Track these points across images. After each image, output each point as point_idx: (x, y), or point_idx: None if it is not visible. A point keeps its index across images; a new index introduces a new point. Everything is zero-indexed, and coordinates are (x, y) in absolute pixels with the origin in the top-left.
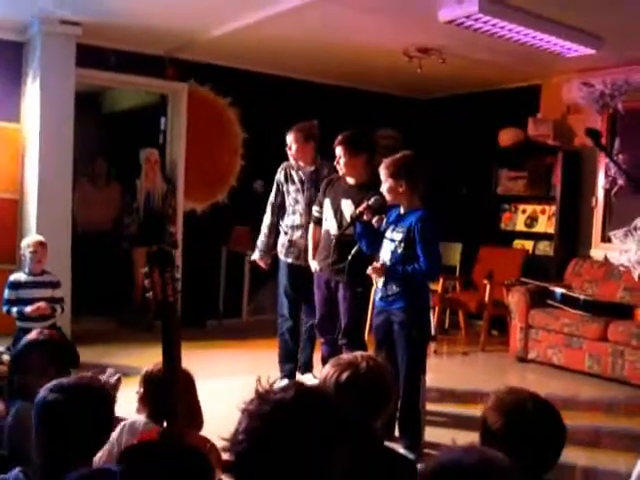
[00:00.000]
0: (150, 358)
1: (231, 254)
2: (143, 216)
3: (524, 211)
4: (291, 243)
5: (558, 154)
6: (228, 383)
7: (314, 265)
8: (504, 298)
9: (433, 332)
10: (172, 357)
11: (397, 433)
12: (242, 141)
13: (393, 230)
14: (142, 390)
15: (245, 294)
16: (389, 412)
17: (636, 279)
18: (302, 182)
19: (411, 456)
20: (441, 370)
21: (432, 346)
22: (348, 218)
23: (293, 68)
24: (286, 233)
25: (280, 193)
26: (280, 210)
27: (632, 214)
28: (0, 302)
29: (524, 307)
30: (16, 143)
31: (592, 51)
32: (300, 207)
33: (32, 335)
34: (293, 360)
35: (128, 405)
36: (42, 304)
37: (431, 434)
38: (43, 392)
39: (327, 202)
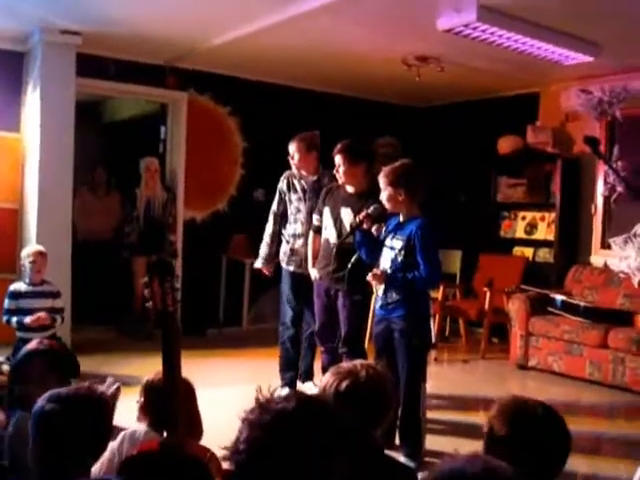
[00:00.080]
0: (150, 367)
1: (231, 263)
2: (143, 225)
3: (524, 218)
4: (293, 252)
5: (557, 161)
6: (228, 392)
7: (314, 273)
8: (504, 305)
9: (433, 340)
10: (172, 366)
11: (397, 441)
12: (242, 150)
13: (393, 238)
14: (142, 399)
15: (245, 302)
16: (389, 421)
17: (636, 286)
18: (304, 191)
19: (411, 464)
20: (441, 378)
21: (432, 354)
22: (347, 227)
23: (293, 77)
24: (288, 242)
25: (282, 202)
26: (282, 219)
27: (631, 221)
28: (0, 312)
29: (524, 314)
30: (16, 153)
31: (590, 58)
32: (302, 216)
33: (32, 345)
34: (294, 368)
35: (129, 414)
36: (42, 314)
37: (432, 442)
38: (40, 402)
39: (327, 211)
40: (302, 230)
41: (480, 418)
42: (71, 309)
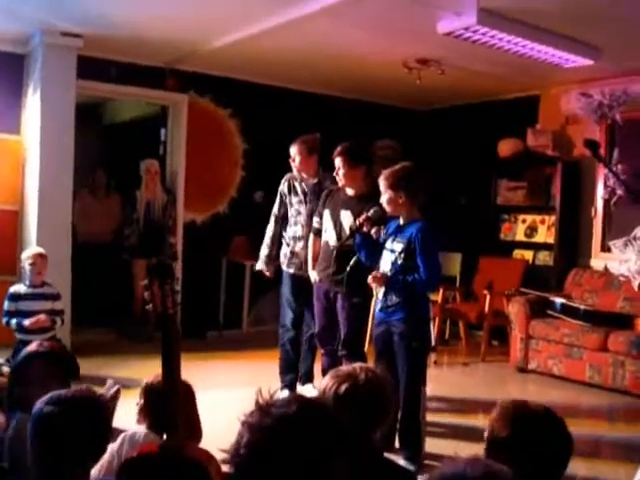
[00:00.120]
0: (150, 370)
1: (231, 265)
2: (143, 227)
3: (524, 221)
4: (293, 254)
5: (557, 164)
6: (228, 394)
7: (313, 276)
8: (504, 308)
9: (433, 343)
10: (172, 369)
11: (397, 444)
12: (242, 152)
13: (393, 241)
14: (142, 402)
15: (245, 305)
16: (388, 424)
17: (636, 289)
18: (305, 194)
19: (411, 467)
20: (441, 381)
21: (432, 357)
22: (347, 229)
23: (293, 79)
24: (288, 244)
25: (283, 204)
26: (283, 221)
27: (632, 224)
28: (0, 314)
29: (524, 317)
30: (17, 155)
31: (590, 62)
32: (302, 218)
33: (32, 347)
34: (294, 370)
35: (128, 417)
36: (41, 317)
37: (431, 445)
38: (39, 404)
39: (327, 213)
40: (302, 233)
41: (480, 421)
42: (71, 311)
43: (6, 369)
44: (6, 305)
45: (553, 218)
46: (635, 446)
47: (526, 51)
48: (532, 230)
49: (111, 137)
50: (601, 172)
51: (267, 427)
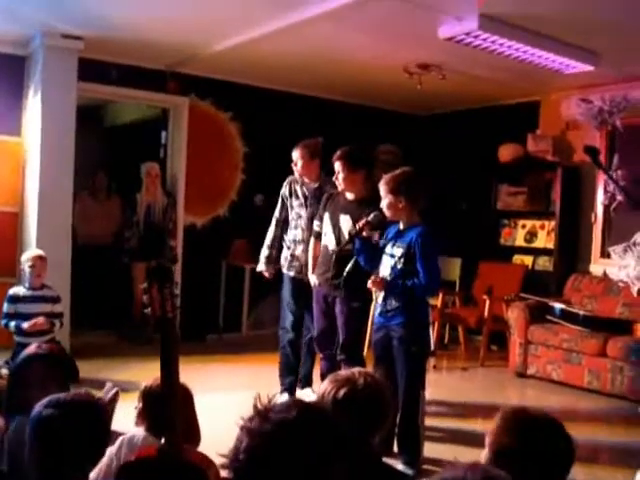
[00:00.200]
0: (150, 373)
1: (231, 268)
2: (143, 230)
3: (524, 226)
4: (293, 257)
5: (557, 170)
6: (227, 398)
7: (313, 280)
8: (503, 313)
9: (432, 347)
10: (170, 373)
11: (396, 449)
12: (243, 155)
13: (393, 246)
14: (141, 405)
15: (245, 308)
16: (387, 428)
17: (635, 295)
18: (305, 197)
19: (410, 472)
20: (440, 385)
21: (431, 361)
22: (346, 233)
23: (294, 83)
24: (289, 247)
25: (284, 207)
26: (284, 224)
27: (631, 229)
28: None
29: (523, 322)
30: (17, 157)
31: (590, 68)
32: (302, 222)
33: (31, 349)
34: (293, 373)
35: (127, 420)
36: (40, 319)
37: (430, 450)
38: (38, 408)
39: (326, 217)
40: (302, 236)
41: (479, 426)
42: (70, 313)
43: (5, 371)
44: (5, 307)
45: (553, 223)
46: (633, 451)
47: (527, 57)
48: (532, 235)
49: (112, 139)
50: (601, 178)
51: (266, 432)
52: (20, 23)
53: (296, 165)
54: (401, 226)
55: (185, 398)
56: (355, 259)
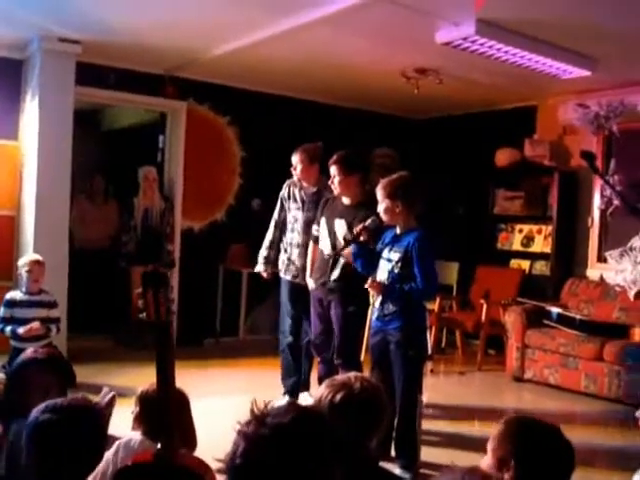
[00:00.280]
0: (147, 377)
1: (228, 272)
2: (141, 234)
3: (520, 231)
4: (290, 261)
5: (554, 174)
6: (224, 402)
7: (310, 283)
8: (501, 318)
9: (430, 351)
10: (166, 377)
11: (393, 453)
12: (240, 160)
13: (390, 250)
14: (137, 410)
15: (242, 313)
16: (383, 432)
17: (632, 299)
18: (303, 202)
19: (406, 476)
20: (438, 390)
21: (429, 365)
22: (341, 238)
23: (291, 87)
24: (286, 250)
25: (283, 210)
26: (283, 226)
27: (628, 234)
28: None
29: (520, 327)
30: (14, 160)
31: (587, 73)
32: (299, 226)
33: (28, 353)
34: (294, 375)
35: (124, 425)
36: (35, 324)
37: (427, 454)
38: (35, 413)
39: (323, 221)
40: (299, 240)
41: (476, 430)
42: (68, 317)
43: (1, 375)
44: (1, 312)
45: (550, 228)
46: (629, 455)
47: (524, 62)
48: (529, 240)
49: (109, 143)
50: (598, 183)
51: (263, 437)
52: (18, 27)
53: (295, 169)
54: (398, 230)
55: (181, 403)
56: (343, 263)
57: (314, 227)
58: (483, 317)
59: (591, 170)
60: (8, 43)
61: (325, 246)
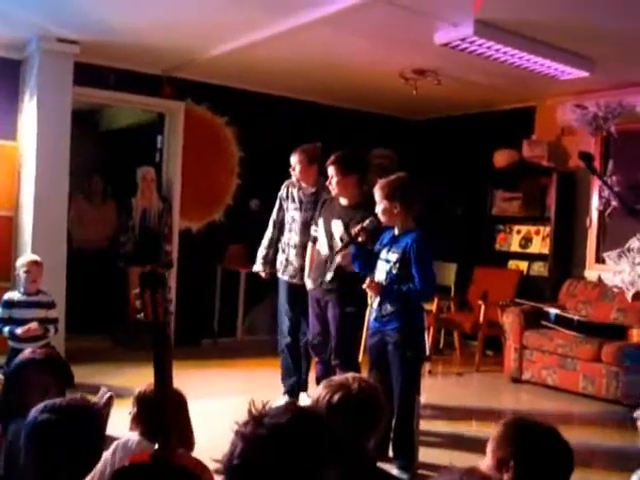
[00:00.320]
0: (145, 377)
1: (226, 273)
2: (139, 234)
3: (519, 232)
4: (287, 262)
5: (553, 175)
6: (222, 402)
7: (309, 284)
8: (499, 318)
9: (428, 352)
10: (163, 378)
11: (391, 453)
12: (238, 160)
13: (388, 251)
14: (135, 410)
15: (240, 313)
16: (381, 433)
17: (629, 300)
18: (300, 202)
19: (405, 477)
20: (436, 390)
21: (427, 366)
22: (337, 238)
23: (290, 88)
24: (284, 251)
25: (282, 209)
26: (281, 226)
27: (626, 235)
28: None
29: (518, 328)
30: (12, 160)
31: (586, 74)
32: (296, 226)
33: (26, 354)
34: (294, 375)
35: (122, 425)
36: (33, 325)
37: (425, 455)
38: (34, 413)
39: (320, 222)
40: (296, 240)
41: (474, 431)
42: (66, 318)
43: (0, 376)
44: None
45: (548, 229)
46: (627, 455)
47: (522, 63)
48: (527, 241)
49: (107, 144)
50: (596, 183)
51: (260, 437)
52: (16, 27)
53: (294, 170)
54: (396, 231)
55: (178, 403)
56: (337, 264)
57: (313, 227)
58: (481, 318)
59: (589, 171)
60: (6, 43)
61: (322, 246)
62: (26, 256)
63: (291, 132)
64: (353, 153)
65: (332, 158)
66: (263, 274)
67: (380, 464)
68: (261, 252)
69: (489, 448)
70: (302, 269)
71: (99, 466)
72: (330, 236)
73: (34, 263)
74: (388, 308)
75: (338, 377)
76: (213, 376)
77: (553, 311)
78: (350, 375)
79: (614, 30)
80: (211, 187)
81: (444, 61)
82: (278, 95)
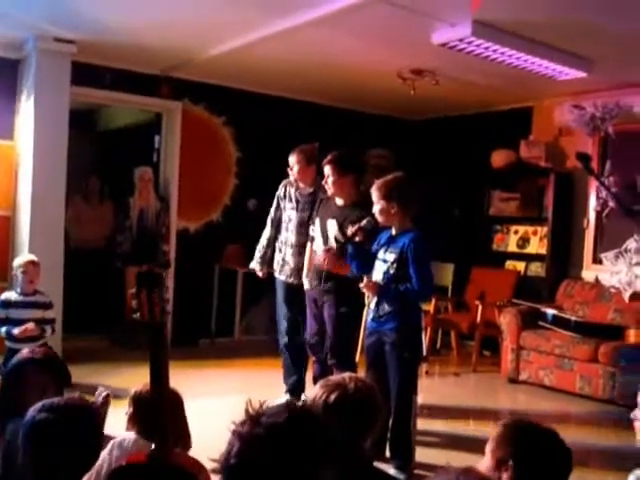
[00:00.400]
0: (141, 378)
1: (224, 273)
2: (136, 235)
3: (516, 232)
4: (284, 262)
5: (550, 176)
6: (219, 402)
7: (306, 284)
8: (496, 319)
9: (425, 353)
10: (160, 378)
11: (388, 453)
12: (236, 160)
13: (385, 251)
14: (131, 410)
15: (237, 313)
16: (377, 432)
17: (627, 301)
18: (297, 202)
19: (401, 477)
20: (433, 391)
21: (424, 367)
22: (332, 238)
23: (287, 88)
24: (280, 250)
25: (279, 208)
26: (279, 225)
27: (623, 236)
28: None
29: (515, 328)
30: (10, 160)
31: (583, 74)
32: (292, 226)
33: (24, 353)
34: (295, 374)
35: (118, 425)
36: (30, 325)
37: (422, 455)
38: (31, 412)
39: (317, 222)
40: (293, 240)
41: (471, 431)
42: (63, 317)
43: None
44: None
45: (545, 229)
46: (624, 455)
47: (520, 63)
48: (524, 241)
49: (105, 144)
50: (593, 184)
51: (257, 436)
52: (13, 26)
53: (292, 170)
54: (393, 232)
55: (175, 403)
56: (319, 267)
57: (311, 227)
58: (478, 318)
59: (587, 172)
60: (4, 43)
61: (318, 247)
62: (23, 256)
63: (288, 132)
64: (350, 153)
65: (329, 158)
66: (260, 273)
67: (377, 464)
68: (259, 251)
69: (488, 448)
70: (298, 269)
71: (97, 465)
72: (326, 236)
73: (31, 263)
74: (385, 308)
75: (335, 377)
76: (210, 376)
77: (550, 311)
78: (347, 375)
79: (612, 31)
80: (208, 187)
81: (442, 61)
82: (275, 95)
